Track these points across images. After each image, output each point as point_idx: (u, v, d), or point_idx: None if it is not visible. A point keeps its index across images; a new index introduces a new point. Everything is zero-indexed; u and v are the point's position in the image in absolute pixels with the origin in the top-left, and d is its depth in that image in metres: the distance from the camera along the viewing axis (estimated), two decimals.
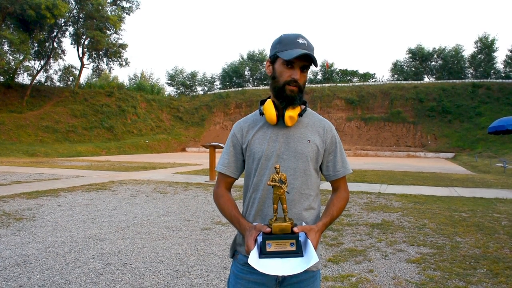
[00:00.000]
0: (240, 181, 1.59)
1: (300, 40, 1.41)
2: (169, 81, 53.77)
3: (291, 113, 1.45)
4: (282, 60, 1.43)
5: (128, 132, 35.46)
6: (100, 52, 39.30)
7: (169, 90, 58.35)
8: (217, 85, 54.54)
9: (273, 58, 1.47)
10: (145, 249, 4.38)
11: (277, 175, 1.32)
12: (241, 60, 53.80)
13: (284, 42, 1.43)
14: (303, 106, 1.56)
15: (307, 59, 1.41)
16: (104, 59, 40.43)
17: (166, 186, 9.82)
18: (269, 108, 1.47)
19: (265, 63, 1.55)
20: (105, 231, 5.18)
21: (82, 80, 44.66)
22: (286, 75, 1.43)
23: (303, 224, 1.45)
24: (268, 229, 1.33)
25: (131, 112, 37.84)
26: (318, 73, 52.64)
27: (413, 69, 48.60)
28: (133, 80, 54.64)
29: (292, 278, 1.50)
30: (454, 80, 40.65)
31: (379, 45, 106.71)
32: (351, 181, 11.08)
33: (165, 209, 6.80)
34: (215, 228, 5.42)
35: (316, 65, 1.42)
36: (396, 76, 49.46)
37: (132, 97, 39.61)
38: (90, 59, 40.05)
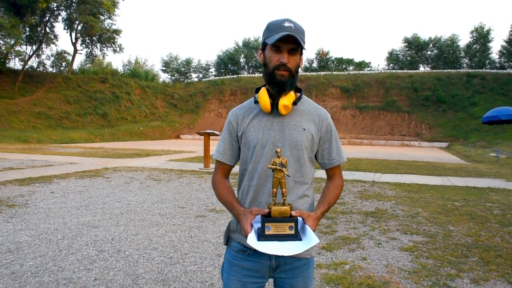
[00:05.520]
0: (237, 168, 1.58)
1: (287, 24, 1.40)
2: (164, 68, 53.32)
3: (285, 102, 1.45)
4: (270, 46, 1.43)
5: (122, 119, 35.20)
6: (94, 38, 38.71)
7: (164, 77, 57.93)
8: (212, 72, 54.21)
9: (263, 46, 1.48)
10: (139, 236, 4.37)
11: (278, 158, 1.33)
12: (236, 47, 53.37)
13: (271, 28, 1.43)
14: (298, 94, 1.56)
15: (294, 42, 1.39)
16: (98, 45, 39.88)
17: (160, 173, 9.80)
18: (263, 96, 1.47)
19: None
20: (99, 218, 5.15)
21: (75, 66, 44.18)
22: (274, 60, 1.43)
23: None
24: (266, 210, 1.34)
25: (125, 98, 37.52)
26: (314, 61, 52.40)
27: (409, 58, 48.52)
28: (127, 67, 54.24)
29: (286, 265, 1.50)
30: (449, 70, 40.73)
31: (375, 34, 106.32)
32: (345, 169, 11.09)
33: (159, 196, 6.78)
34: (209, 215, 5.42)
35: (302, 47, 1.41)
36: (391, 65, 49.39)
37: (126, 83, 39.23)
38: (84, 45, 39.46)
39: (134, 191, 7.21)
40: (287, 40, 1.39)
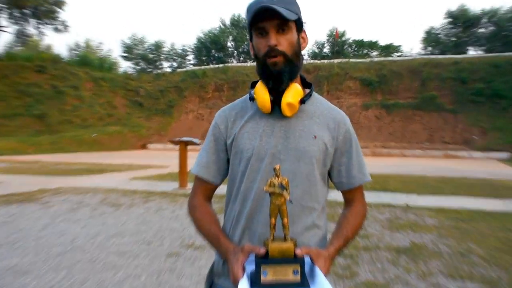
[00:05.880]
0: (223, 188, 1.60)
1: None
2: (125, 54, 53.51)
3: (290, 99, 1.47)
4: (254, 32, 1.49)
5: (67, 122, 35.15)
6: (26, 11, 38.55)
7: (125, 66, 58.03)
8: (190, 60, 54.50)
9: (251, 35, 1.53)
10: (88, 283, 4.33)
11: (276, 178, 1.33)
12: (222, 27, 53.71)
13: (249, 7, 1.47)
14: (307, 90, 1.60)
15: (275, 14, 1.41)
16: (32, 21, 39.75)
17: (120, 196, 9.81)
18: (262, 92, 1.50)
19: None
20: (30, 259, 5.10)
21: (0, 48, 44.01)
22: (262, 47, 1.47)
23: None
24: (263, 250, 1.35)
25: (71, 94, 37.49)
26: (325, 44, 52.82)
27: (454, 38, 49.02)
28: (75, 52, 54.24)
29: None
30: (511, 53, 40.79)
31: (406, 7, 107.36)
32: (368, 189, 11.03)
33: (117, 227, 6.75)
34: (185, 253, 5.41)
35: (288, 19, 1.42)
36: (429, 48, 49.90)
37: (73, 74, 39.24)
38: (12, 20, 39.32)
39: (83, 221, 7.16)
40: (267, 15, 1.42)
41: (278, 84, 1.47)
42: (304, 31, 1.57)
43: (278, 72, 1.45)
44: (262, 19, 1.43)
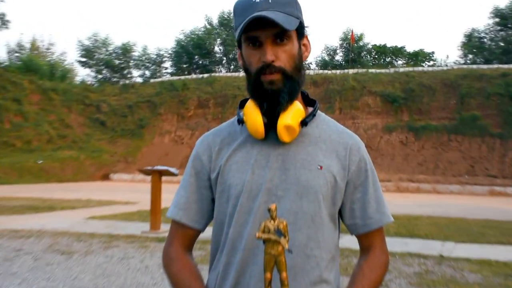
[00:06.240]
0: (207, 233, 1.61)
1: None
2: (84, 59, 53.35)
3: (288, 121, 1.48)
4: (244, 41, 1.51)
5: (5, 144, 35.03)
6: None
7: (83, 75, 58.09)
8: (166, 69, 54.63)
9: (239, 42, 1.56)
10: None
11: (272, 222, 1.31)
12: (208, 26, 53.93)
13: (238, 12, 1.51)
14: (310, 109, 1.63)
15: (271, 23, 1.42)
16: None
17: (72, 241, 9.71)
18: (253, 113, 1.51)
19: None
20: None
21: None
22: (254, 61, 1.49)
23: None
24: None
25: (11, 110, 37.36)
26: (337, 50, 53.03)
27: (502, 44, 48.58)
28: (17, 55, 53.92)
29: None
30: None
31: (441, 3, 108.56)
32: (392, 234, 11.04)
33: (68, 283, 6.65)
34: None
35: (287, 28, 1.43)
36: (470, 56, 49.75)
37: (14, 83, 39.13)
38: None
39: (21, 275, 7.03)
40: (261, 24, 1.42)
41: (275, 106, 1.48)
42: (306, 36, 1.60)
43: (275, 92, 1.47)
44: (255, 28, 1.43)
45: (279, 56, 1.46)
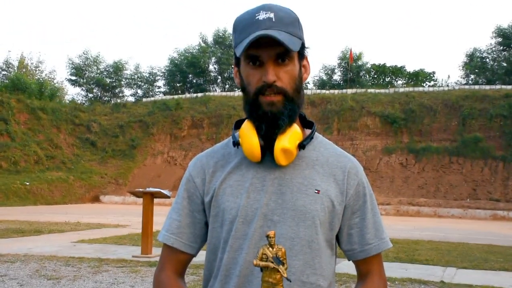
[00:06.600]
0: (200, 257, 1.60)
1: (261, 16, 1.47)
2: (74, 77, 53.64)
3: (285, 144, 1.49)
4: (243, 59, 1.52)
5: None
6: None
7: (73, 94, 58.16)
8: (159, 88, 55.04)
9: (236, 60, 1.58)
10: None
11: (270, 249, 1.33)
12: (203, 44, 54.58)
13: (238, 28, 1.52)
14: (308, 131, 1.65)
15: (275, 42, 1.42)
16: None
17: (60, 266, 9.70)
18: (249, 134, 1.52)
19: None
20: None
21: None
22: (254, 80, 1.50)
23: None
24: None
25: None
26: (336, 70, 53.64)
27: (504, 64, 48.97)
28: (4, 73, 54.26)
29: None
30: None
31: (441, 22, 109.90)
32: (391, 259, 11.16)
33: None
34: None
35: (291, 49, 1.44)
36: (472, 76, 50.23)
37: (1, 102, 39.32)
38: None
39: None
40: (265, 43, 1.43)
41: (274, 129, 1.48)
42: (306, 57, 1.60)
43: (274, 114, 1.47)
44: (257, 46, 1.43)
45: (281, 77, 1.47)
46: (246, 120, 1.57)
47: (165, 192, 11.37)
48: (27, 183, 33.76)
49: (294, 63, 1.50)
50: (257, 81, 1.47)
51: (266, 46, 1.43)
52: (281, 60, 1.46)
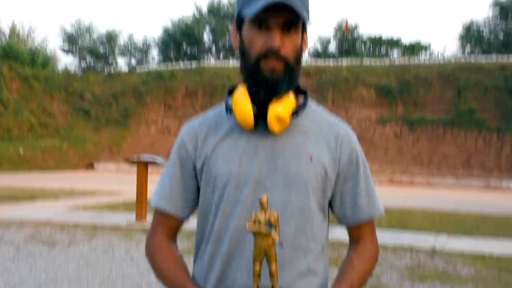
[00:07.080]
0: (192, 224, 1.60)
1: None
2: (67, 46, 53.40)
3: (278, 111, 1.48)
4: (249, 21, 1.48)
5: None
6: None
7: (66, 62, 57.77)
8: (153, 57, 54.61)
9: (239, 22, 1.55)
10: None
11: (263, 213, 1.31)
12: (196, 15, 53.93)
13: None
14: (301, 98, 1.63)
15: (290, 11, 1.42)
16: None
17: (55, 231, 9.71)
18: (242, 101, 1.50)
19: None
20: None
21: None
22: (258, 44, 1.47)
23: None
24: None
25: None
26: (331, 41, 53.28)
27: (501, 37, 48.68)
28: None
29: None
30: None
31: None
32: (384, 226, 11.16)
33: (51, 273, 6.65)
34: None
35: (304, 20, 1.47)
36: (468, 48, 49.87)
37: None
38: None
39: (3, 264, 7.07)
40: (277, 9, 1.40)
41: (272, 95, 1.47)
42: (306, 31, 1.60)
43: (274, 81, 1.46)
44: (266, 10, 1.40)
45: (285, 45, 1.46)
46: (239, 86, 1.56)
47: (159, 160, 11.37)
48: (21, 150, 33.73)
49: (298, 34, 1.49)
50: (261, 45, 1.46)
51: (275, 11, 1.41)
52: (287, 28, 1.45)
